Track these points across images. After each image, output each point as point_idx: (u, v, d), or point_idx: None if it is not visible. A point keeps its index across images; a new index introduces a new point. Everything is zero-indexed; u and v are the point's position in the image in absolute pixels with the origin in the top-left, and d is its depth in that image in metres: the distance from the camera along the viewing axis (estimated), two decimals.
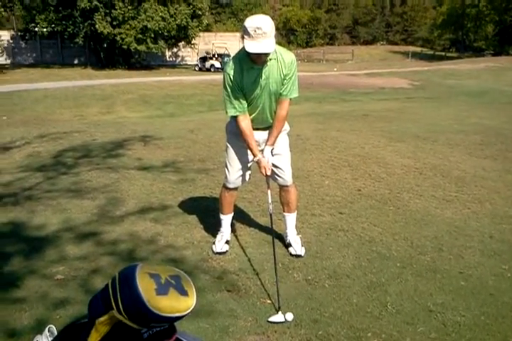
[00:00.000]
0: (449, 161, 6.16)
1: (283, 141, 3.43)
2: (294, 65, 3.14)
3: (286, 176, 3.46)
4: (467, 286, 3.10)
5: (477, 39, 53.36)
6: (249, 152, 3.36)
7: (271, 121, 3.29)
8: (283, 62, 3.08)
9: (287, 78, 3.12)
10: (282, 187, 3.54)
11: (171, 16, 28.40)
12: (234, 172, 3.46)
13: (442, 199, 4.75)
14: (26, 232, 3.88)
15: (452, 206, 4.57)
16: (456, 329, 2.64)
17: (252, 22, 2.88)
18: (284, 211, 3.63)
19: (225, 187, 3.55)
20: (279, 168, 3.42)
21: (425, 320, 2.73)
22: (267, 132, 3.33)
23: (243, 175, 3.49)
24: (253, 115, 3.25)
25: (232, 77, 3.09)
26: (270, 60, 3.05)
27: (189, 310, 1.06)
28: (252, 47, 2.89)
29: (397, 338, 2.57)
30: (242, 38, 2.93)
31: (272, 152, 3.31)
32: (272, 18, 3.02)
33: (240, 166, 3.44)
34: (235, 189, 3.58)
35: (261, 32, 2.84)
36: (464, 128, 8.54)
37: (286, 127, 3.44)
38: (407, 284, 3.12)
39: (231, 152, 3.44)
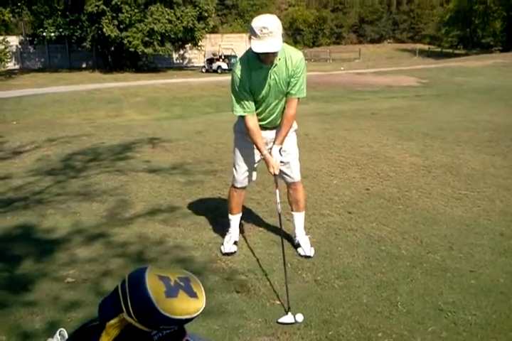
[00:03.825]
0: (458, 159, 6.13)
1: (291, 139, 3.43)
2: (303, 64, 3.13)
3: (294, 173, 3.46)
4: (478, 285, 3.08)
5: (485, 35, 52.86)
6: (256, 152, 3.36)
7: (279, 121, 3.30)
8: (291, 61, 3.08)
9: (295, 77, 3.11)
10: (290, 185, 3.54)
11: (178, 19, 28.49)
12: (241, 171, 3.47)
13: (452, 197, 4.72)
14: (37, 235, 3.91)
15: (462, 204, 4.54)
16: (467, 328, 2.63)
17: (258, 22, 2.88)
18: (292, 210, 3.63)
19: (233, 187, 3.57)
20: (287, 166, 3.42)
21: (436, 319, 2.72)
22: (274, 131, 3.34)
23: (250, 175, 3.51)
24: (262, 115, 3.26)
25: (240, 77, 3.10)
26: (279, 59, 3.04)
27: (199, 312, 1.06)
28: (259, 47, 2.89)
29: (408, 338, 2.56)
30: (250, 38, 2.94)
31: (280, 151, 3.31)
32: (278, 19, 3.00)
33: (247, 166, 3.45)
34: (243, 188, 3.59)
35: (267, 31, 2.84)
36: (473, 125, 8.49)
37: (294, 125, 3.43)
38: (417, 283, 3.10)
39: (238, 152, 3.46)
